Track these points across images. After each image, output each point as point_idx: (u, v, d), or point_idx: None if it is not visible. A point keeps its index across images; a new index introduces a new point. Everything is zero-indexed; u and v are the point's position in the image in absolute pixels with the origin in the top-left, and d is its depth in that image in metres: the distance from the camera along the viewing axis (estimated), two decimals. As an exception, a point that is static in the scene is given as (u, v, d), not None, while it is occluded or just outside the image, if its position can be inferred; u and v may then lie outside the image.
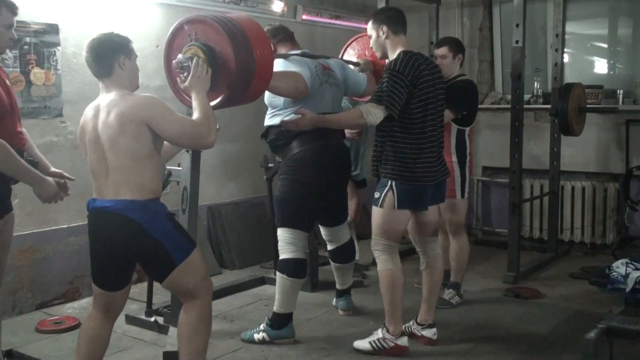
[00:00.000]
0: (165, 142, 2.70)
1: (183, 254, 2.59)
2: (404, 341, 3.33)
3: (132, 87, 2.69)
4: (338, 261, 3.96)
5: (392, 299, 3.29)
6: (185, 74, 2.77)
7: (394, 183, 3.22)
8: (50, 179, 2.85)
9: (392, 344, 3.31)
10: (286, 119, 3.40)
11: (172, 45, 2.98)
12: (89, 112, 2.64)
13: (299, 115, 3.31)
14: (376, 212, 3.31)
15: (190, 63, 2.75)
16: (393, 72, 3.12)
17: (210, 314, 2.72)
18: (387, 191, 3.23)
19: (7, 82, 2.93)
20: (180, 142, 2.70)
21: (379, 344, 3.32)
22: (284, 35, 3.67)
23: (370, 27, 3.34)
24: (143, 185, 2.55)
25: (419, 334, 3.51)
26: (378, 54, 3.40)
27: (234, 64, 2.78)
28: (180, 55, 2.81)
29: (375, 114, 3.12)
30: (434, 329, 3.51)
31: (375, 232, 3.33)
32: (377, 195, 3.29)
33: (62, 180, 2.93)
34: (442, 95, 3.34)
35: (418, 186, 3.23)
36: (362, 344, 3.37)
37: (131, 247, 2.56)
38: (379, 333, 3.34)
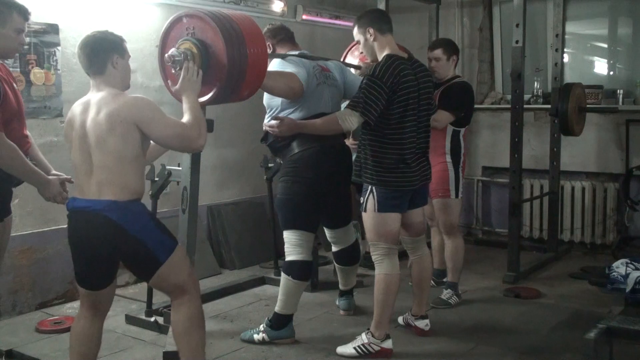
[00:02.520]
0: (151, 142, 2.70)
1: (167, 252, 2.59)
2: (388, 344, 3.33)
3: (124, 86, 2.69)
4: (342, 263, 3.95)
5: (384, 304, 3.30)
6: (178, 68, 2.80)
7: (373, 187, 3.24)
8: (54, 179, 2.96)
9: (378, 348, 3.31)
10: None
11: (168, 36, 3.01)
12: (77, 107, 2.63)
13: (300, 114, 3.34)
14: (364, 217, 3.34)
15: (182, 58, 2.78)
16: (371, 78, 3.12)
17: (201, 308, 2.73)
18: (368, 195, 3.26)
19: (15, 85, 2.96)
20: (170, 144, 2.67)
21: (364, 349, 3.31)
22: (284, 35, 3.66)
23: (356, 33, 3.33)
24: (126, 185, 2.54)
25: (413, 324, 3.65)
26: (369, 58, 3.39)
27: (226, 62, 2.81)
28: (173, 49, 2.84)
29: (350, 120, 3.15)
30: (427, 321, 3.64)
31: (370, 237, 3.34)
32: (361, 200, 3.32)
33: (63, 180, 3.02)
34: (429, 99, 3.34)
35: (396, 191, 3.25)
36: (346, 349, 3.36)
37: (114, 248, 2.55)
38: (363, 338, 3.33)
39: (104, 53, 2.60)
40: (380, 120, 3.17)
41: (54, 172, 3.06)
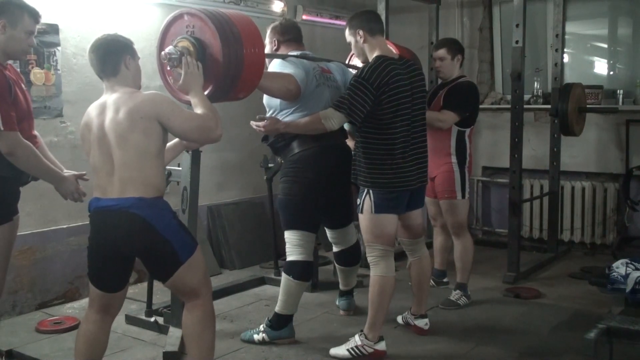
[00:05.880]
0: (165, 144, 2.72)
1: (188, 252, 2.61)
2: (382, 346, 3.32)
3: (136, 86, 2.73)
4: (343, 264, 3.94)
5: (379, 306, 3.29)
6: (175, 65, 2.82)
7: (370, 190, 3.24)
8: (70, 175, 3.01)
9: (372, 350, 3.30)
10: (286, 119, 3.42)
11: (167, 32, 3.03)
12: (93, 110, 2.65)
13: (299, 115, 3.38)
14: (361, 218, 3.33)
15: (178, 55, 2.80)
16: (358, 80, 3.12)
17: (213, 311, 2.75)
18: (365, 197, 3.26)
19: (24, 86, 2.99)
20: (190, 136, 2.73)
21: (357, 351, 3.30)
22: (292, 36, 3.64)
23: (347, 34, 3.33)
24: (149, 182, 2.55)
25: (412, 324, 3.66)
26: (360, 59, 3.39)
27: (222, 63, 2.84)
28: (170, 47, 2.85)
29: (333, 120, 3.17)
30: (426, 320, 3.65)
31: (367, 239, 3.33)
32: (358, 201, 3.32)
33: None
34: (423, 100, 3.35)
35: (392, 192, 3.24)
36: (339, 351, 3.35)
37: (138, 246, 2.56)
38: (357, 339, 3.32)
39: (116, 54, 2.64)
40: (371, 121, 3.17)
41: (66, 171, 3.09)
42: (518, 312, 4.05)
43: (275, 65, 3.49)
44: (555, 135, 5.29)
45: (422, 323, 3.64)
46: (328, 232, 3.90)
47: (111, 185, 2.55)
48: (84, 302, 4.20)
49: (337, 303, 4.11)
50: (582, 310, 4.07)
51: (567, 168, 5.51)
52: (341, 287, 4.05)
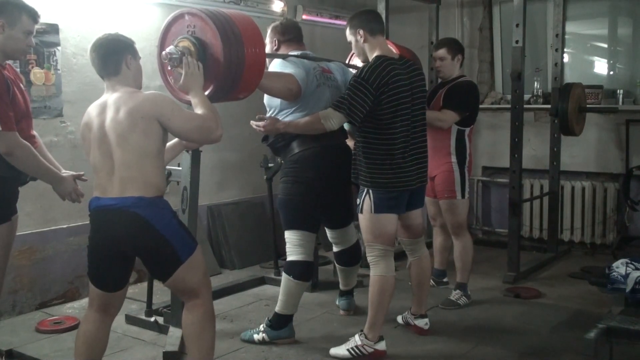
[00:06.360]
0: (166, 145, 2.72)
1: (188, 251, 2.61)
2: (382, 346, 3.32)
3: (137, 86, 2.74)
4: (343, 264, 3.94)
5: (379, 306, 3.29)
6: (175, 65, 2.83)
7: (370, 190, 3.24)
8: (68, 176, 3.01)
9: (372, 350, 3.30)
10: (287, 119, 3.42)
11: (168, 32, 3.04)
12: (93, 110, 2.65)
13: (299, 114, 3.38)
14: (361, 218, 3.33)
15: (179, 55, 2.80)
16: (358, 80, 3.13)
17: (213, 310, 2.75)
18: (365, 197, 3.26)
19: (23, 86, 2.99)
20: (190, 136, 2.73)
21: (357, 351, 3.30)
22: (292, 36, 3.63)
23: (348, 34, 3.34)
24: (149, 182, 2.56)
25: (412, 324, 3.66)
26: (360, 59, 3.40)
27: (223, 63, 2.84)
28: (171, 47, 2.85)
29: (333, 120, 3.18)
30: (426, 319, 3.65)
31: (367, 239, 3.33)
32: (358, 201, 3.33)
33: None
34: (423, 100, 3.35)
35: (392, 192, 3.24)
36: (339, 351, 3.35)
37: (138, 245, 2.56)
38: (357, 339, 3.32)
39: (117, 54, 2.65)
40: (371, 121, 3.18)
41: (63, 171, 3.09)
42: (518, 312, 4.05)
43: (275, 65, 3.49)
44: (555, 135, 5.29)
45: (422, 323, 3.64)
46: (328, 232, 3.90)
47: (111, 184, 2.56)
48: (84, 302, 4.19)
49: (337, 303, 4.12)
50: (582, 310, 4.07)
51: (567, 168, 5.51)
52: (341, 287, 4.05)
